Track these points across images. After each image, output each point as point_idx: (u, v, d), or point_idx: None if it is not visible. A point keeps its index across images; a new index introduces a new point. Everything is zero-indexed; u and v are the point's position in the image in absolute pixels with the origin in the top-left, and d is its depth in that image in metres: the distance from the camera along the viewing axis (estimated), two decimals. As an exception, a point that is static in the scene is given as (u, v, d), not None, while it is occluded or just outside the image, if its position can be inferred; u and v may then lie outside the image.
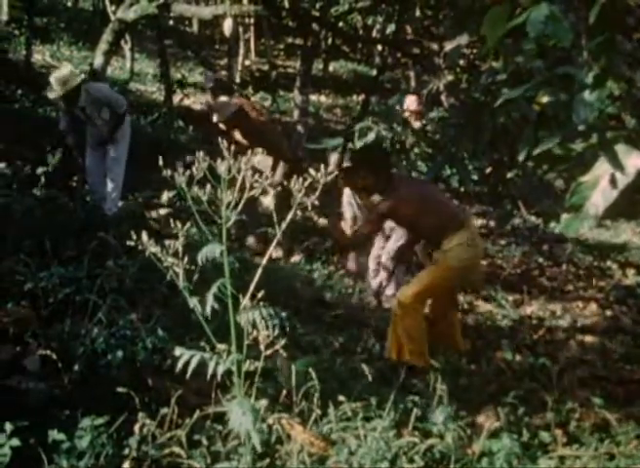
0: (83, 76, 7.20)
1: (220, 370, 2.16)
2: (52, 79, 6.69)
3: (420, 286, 4.97)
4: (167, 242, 2.18)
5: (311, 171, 2.29)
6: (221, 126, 7.28)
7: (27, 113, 9.92)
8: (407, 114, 9.23)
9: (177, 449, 2.46)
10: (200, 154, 2.22)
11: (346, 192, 6.57)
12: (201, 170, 2.19)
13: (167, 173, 2.22)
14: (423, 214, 4.89)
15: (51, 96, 6.81)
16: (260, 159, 7.27)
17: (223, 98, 7.68)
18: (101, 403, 2.88)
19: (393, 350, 4.95)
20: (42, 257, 4.41)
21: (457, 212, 5.16)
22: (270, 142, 7.36)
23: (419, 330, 4.94)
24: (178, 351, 2.18)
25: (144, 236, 2.17)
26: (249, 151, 2.29)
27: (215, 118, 7.25)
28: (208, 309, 2.14)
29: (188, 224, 2.23)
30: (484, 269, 5.03)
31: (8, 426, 2.45)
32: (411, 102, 8.53)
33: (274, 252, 6.92)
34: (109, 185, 7.30)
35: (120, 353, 3.29)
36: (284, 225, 2.26)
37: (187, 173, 2.21)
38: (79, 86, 6.84)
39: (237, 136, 7.32)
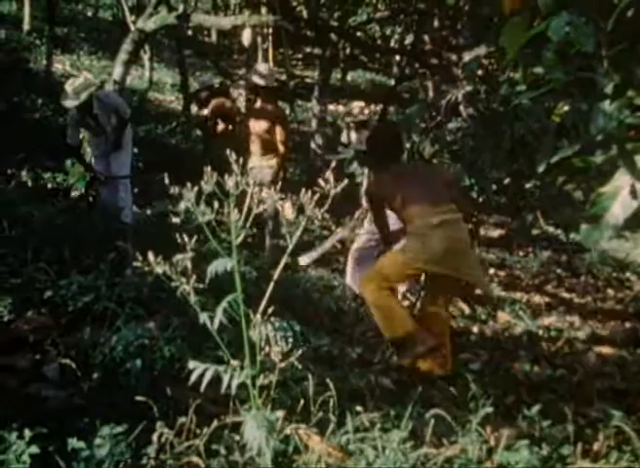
0: (97, 84, 7.19)
1: (235, 383, 2.16)
2: (68, 88, 6.70)
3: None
4: (179, 256, 2.19)
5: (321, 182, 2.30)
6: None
7: (47, 122, 10.00)
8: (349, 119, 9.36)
9: (195, 459, 2.45)
10: (208, 169, 2.24)
11: None
12: (210, 185, 2.20)
13: (174, 190, 2.24)
14: (399, 196, 4.87)
15: (68, 104, 6.78)
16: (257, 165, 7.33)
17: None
18: (120, 411, 2.89)
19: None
20: (62, 266, 4.44)
21: (429, 199, 4.91)
22: (284, 139, 7.41)
23: None
24: (192, 364, 2.19)
25: (151, 255, 2.18)
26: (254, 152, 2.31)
27: (262, 82, 7.32)
28: (216, 324, 2.14)
29: (196, 237, 2.24)
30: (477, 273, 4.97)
31: (27, 433, 2.46)
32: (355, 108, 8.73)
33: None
34: (121, 193, 7.28)
35: (139, 362, 3.30)
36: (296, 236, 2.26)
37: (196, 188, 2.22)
38: (91, 95, 6.85)
39: (260, 124, 7.37)
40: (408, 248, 4.86)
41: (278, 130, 7.31)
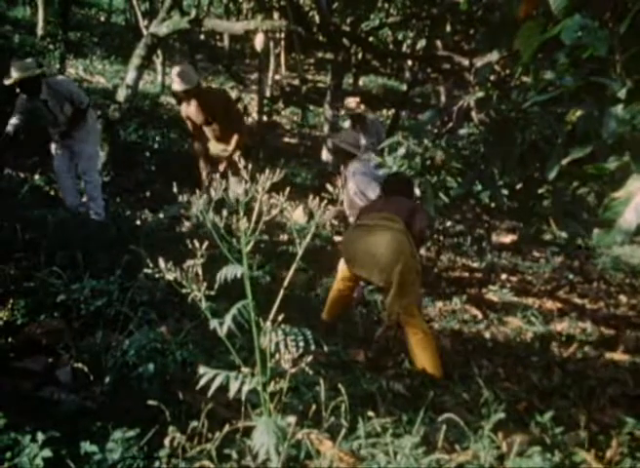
0: (44, 69, 7.06)
1: (245, 389, 2.16)
2: (12, 66, 6.61)
3: None
4: (190, 262, 2.19)
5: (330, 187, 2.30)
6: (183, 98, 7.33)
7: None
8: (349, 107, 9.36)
9: (207, 463, 2.45)
10: (217, 176, 2.25)
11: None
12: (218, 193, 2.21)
13: (183, 198, 2.25)
14: None
15: (6, 82, 6.66)
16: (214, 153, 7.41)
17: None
18: (132, 415, 2.90)
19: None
20: (74, 270, 4.45)
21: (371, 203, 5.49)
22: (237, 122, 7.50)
23: None
24: (202, 369, 2.19)
25: (162, 262, 2.18)
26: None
27: (179, 87, 7.16)
28: (225, 330, 2.14)
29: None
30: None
31: (40, 437, 2.47)
32: (351, 102, 8.72)
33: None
34: (88, 188, 7.19)
35: (151, 366, 3.30)
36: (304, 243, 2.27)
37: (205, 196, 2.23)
38: (38, 78, 6.72)
39: (199, 117, 7.40)
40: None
41: (226, 114, 7.33)
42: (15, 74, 6.56)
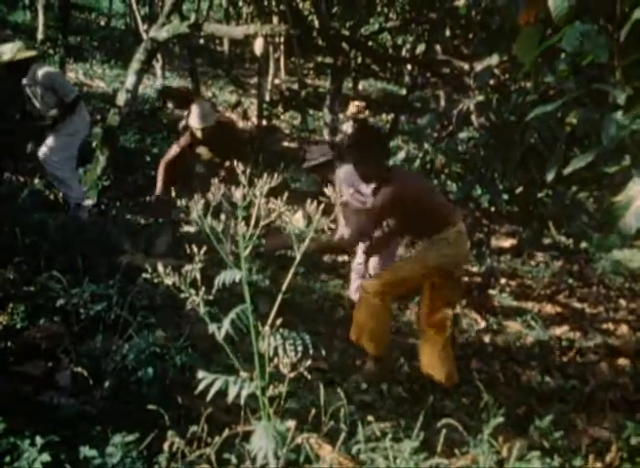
0: (34, 53, 6.96)
1: (244, 394, 2.16)
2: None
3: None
4: (188, 267, 2.18)
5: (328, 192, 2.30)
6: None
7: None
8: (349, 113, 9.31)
9: (206, 467, 2.46)
10: (215, 180, 2.24)
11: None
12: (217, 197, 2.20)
13: (182, 202, 2.24)
14: (416, 209, 4.65)
15: None
16: None
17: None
18: (132, 419, 2.90)
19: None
20: (74, 274, 4.45)
21: (448, 208, 4.84)
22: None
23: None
24: (201, 373, 2.19)
25: (160, 267, 2.17)
26: None
27: (200, 123, 6.82)
28: (222, 334, 2.14)
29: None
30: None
31: (39, 441, 2.47)
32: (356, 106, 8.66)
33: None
34: (63, 188, 7.10)
35: (150, 370, 3.30)
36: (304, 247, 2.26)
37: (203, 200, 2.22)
38: (28, 61, 6.65)
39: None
40: (438, 254, 4.62)
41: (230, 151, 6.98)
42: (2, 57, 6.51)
